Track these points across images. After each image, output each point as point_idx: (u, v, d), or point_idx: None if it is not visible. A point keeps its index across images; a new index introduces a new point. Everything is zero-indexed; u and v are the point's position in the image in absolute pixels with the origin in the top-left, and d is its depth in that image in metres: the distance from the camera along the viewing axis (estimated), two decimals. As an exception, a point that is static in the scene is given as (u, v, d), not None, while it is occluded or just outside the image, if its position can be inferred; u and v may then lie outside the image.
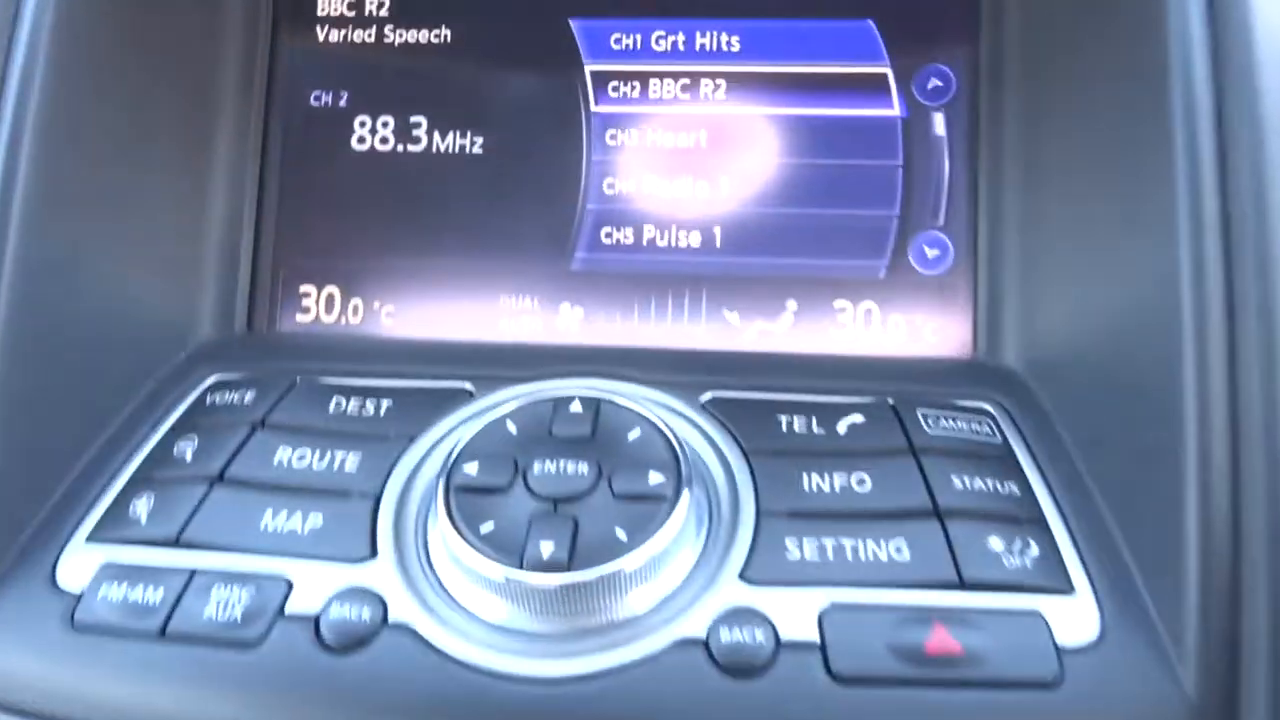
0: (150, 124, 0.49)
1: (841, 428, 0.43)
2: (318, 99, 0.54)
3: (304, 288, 0.54)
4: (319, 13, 0.55)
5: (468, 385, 0.46)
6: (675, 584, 0.38)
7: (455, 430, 0.43)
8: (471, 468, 0.39)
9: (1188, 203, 0.37)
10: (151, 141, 0.50)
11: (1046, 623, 0.35)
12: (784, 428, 0.43)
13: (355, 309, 0.53)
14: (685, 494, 0.38)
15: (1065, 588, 0.37)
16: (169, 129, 0.51)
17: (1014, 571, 0.37)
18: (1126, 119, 0.41)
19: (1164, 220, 0.37)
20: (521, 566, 0.36)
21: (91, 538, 0.41)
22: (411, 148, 0.53)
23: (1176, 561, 0.34)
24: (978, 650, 0.34)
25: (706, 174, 0.52)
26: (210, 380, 0.48)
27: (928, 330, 0.50)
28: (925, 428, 0.42)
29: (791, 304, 0.51)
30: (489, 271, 0.52)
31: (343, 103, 0.54)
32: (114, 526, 0.41)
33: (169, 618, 0.37)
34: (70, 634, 0.37)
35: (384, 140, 0.54)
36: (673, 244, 0.51)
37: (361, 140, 0.54)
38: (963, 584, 0.36)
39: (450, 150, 0.53)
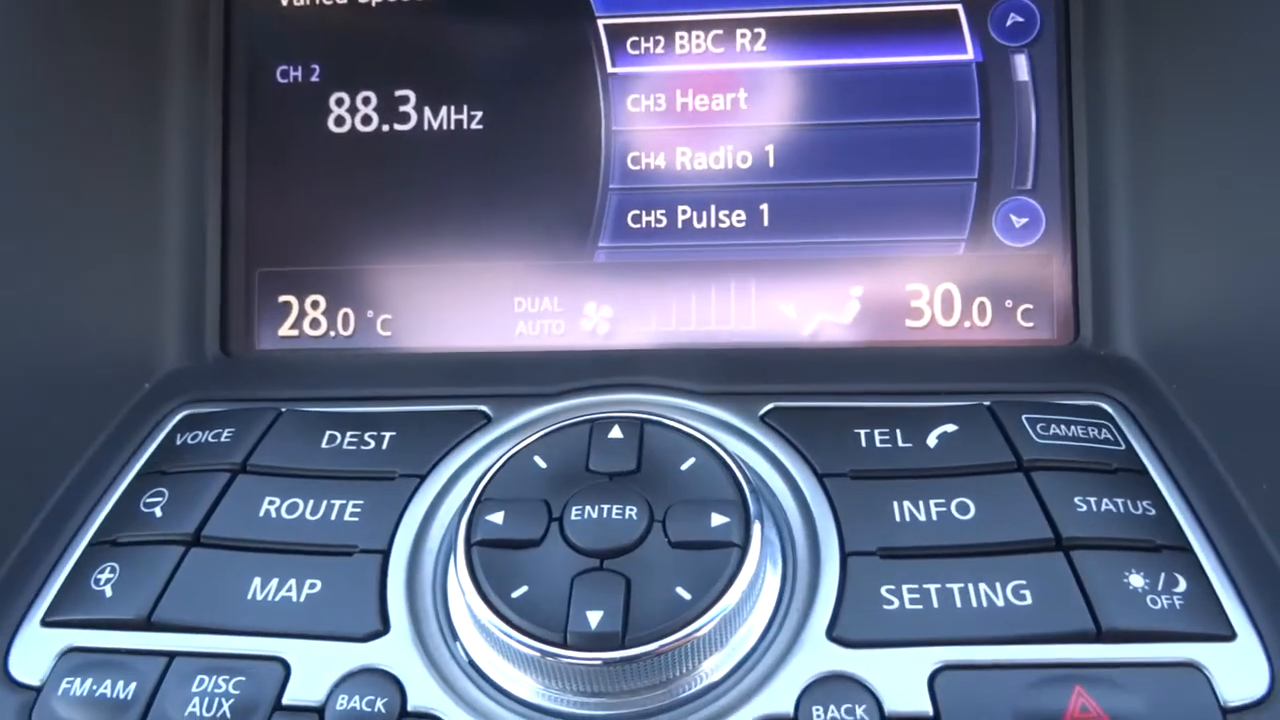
0: (86, 119, 0.45)
1: (931, 440, 0.38)
2: (285, 75, 0.50)
3: (284, 298, 0.49)
4: (279, -29, 0.50)
5: (483, 407, 0.42)
6: (749, 645, 0.33)
7: (472, 466, 0.40)
8: (496, 517, 0.35)
9: None
10: (89, 138, 0.45)
11: (1207, 676, 0.32)
12: (862, 443, 0.39)
13: (345, 319, 0.48)
14: (755, 536, 0.34)
15: (1225, 632, 0.33)
16: (109, 121, 0.46)
17: (1161, 614, 0.33)
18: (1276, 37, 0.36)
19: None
20: (566, 643, 0.32)
21: (49, 618, 0.37)
22: (399, 127, 0.49)
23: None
24: (1127, 716, 0.30)
25: (748, 141, 0.47)
26: (180, 416, 0.44)
27: (1019, 313, 0.45)
28: (1033, 435, 0.38)
29: (856, 290, 0.46)
30: (499, 268, 0.48)
31: (314, 77, 0.49)
32: (75, 604, 0.37)
33: (144, 717, 0.33)
34: (27, 740, 0.34)
35: (366, 120, 0.49)
36: (712, 225, 0.47)
37: (340, 121, 0.49)
38: (1101, 634, 0.32)
39: (444, 128, 0.48)
